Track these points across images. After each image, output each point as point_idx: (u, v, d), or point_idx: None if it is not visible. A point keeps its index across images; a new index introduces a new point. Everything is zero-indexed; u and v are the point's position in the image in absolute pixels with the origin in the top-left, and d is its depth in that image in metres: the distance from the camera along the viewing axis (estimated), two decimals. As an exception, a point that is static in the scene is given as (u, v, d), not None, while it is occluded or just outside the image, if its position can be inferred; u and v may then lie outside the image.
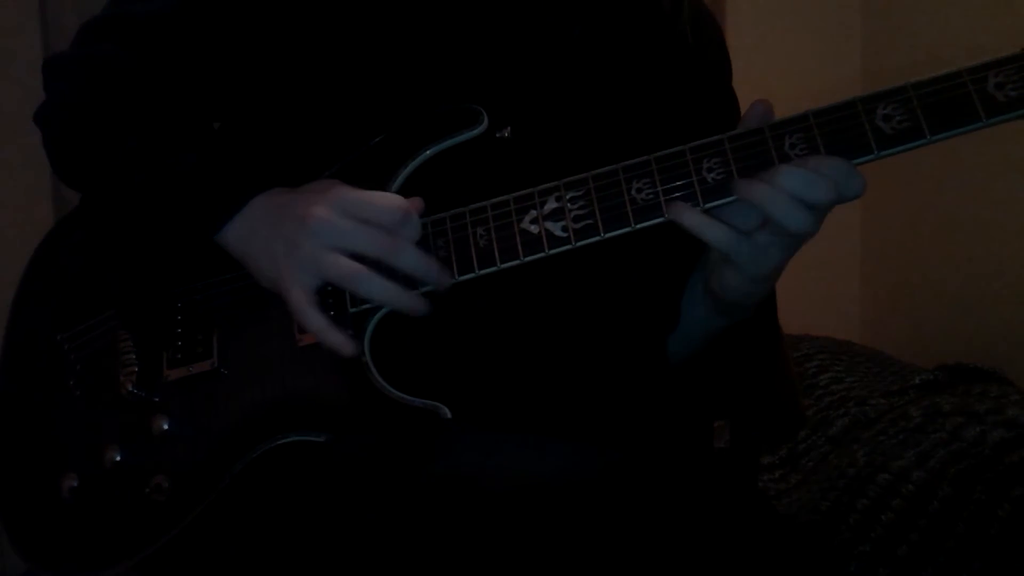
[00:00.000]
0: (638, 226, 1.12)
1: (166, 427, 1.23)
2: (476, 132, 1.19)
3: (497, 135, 1.21)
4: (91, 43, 1.32)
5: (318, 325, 1.14)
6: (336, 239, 1.13)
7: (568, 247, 1.13)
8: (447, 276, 1.15)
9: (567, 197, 1.14)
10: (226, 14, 1.27)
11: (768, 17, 2.54)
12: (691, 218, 1.11)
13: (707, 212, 1.12)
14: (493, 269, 1.15)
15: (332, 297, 1.19)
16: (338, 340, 1.15)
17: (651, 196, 1.12)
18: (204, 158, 1.21)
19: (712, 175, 1.11)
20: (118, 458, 1.24)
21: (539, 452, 1.17)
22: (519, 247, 1.14)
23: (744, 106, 1.19)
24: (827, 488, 1.78)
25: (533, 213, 1.14)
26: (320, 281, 1.15)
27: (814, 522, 1.73)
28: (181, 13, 1.27)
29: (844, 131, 1.09)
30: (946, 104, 1.07)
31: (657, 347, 1.32)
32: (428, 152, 1.19)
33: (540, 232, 1.14)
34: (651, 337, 1.31)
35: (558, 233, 1.14)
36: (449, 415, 1.16)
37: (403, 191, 1.19)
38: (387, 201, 1.15)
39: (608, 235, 1.13)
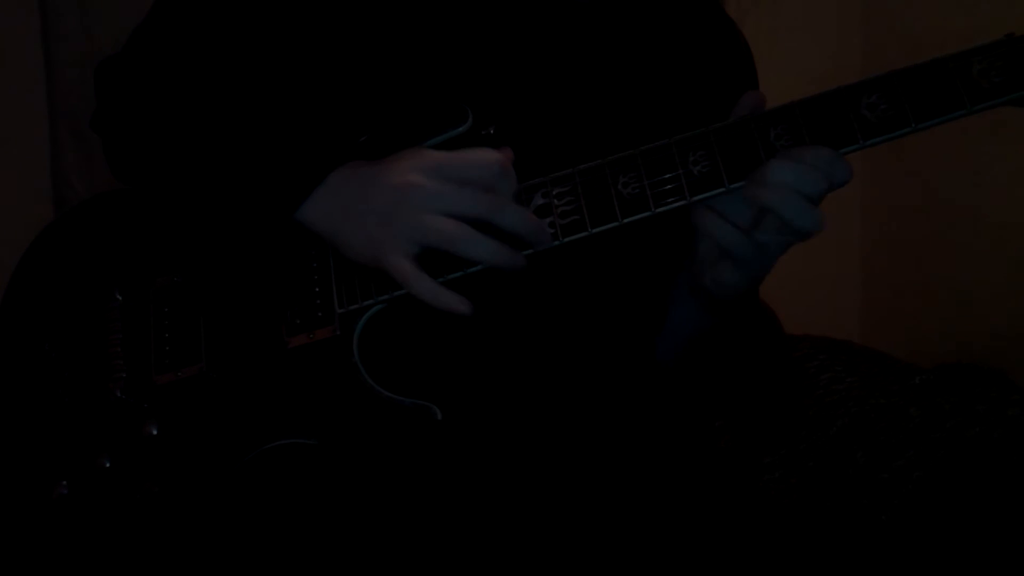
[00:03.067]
0: (625, 220, 1.12)
1: (155, 433, 1.22)
2: (461, 130, 1.18)
3: (483, 132, 1.20)
4: (141, 45, 1.33)
5: (430, 290, 1.12)
6: (436, 203, 1.11)
7: (555, 243, 1.13)
8: (548, 233, 1.13)
9: (553, 193, 1.13)
10: (219, 11, 1.27)
11: (768, 11, 2.54)
12: (704, 217, 1.11)
13: (711, 209, 1.12)
14: (480, 267, 1.14)
15: (320, 298, 1.18)
16: (453, 301, 1.12)
17: (637, 190, 1.12)
18: (274, 135, 1.19)
19: (698, 168, 1.11)
20: (108, 464, 1.23)
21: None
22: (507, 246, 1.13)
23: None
24: (827, 488, 1.78)
25: None
26: (420, 248, 1.12)
27: (814, 522, 1.73)
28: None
29: (829, 121, 1.09)
30: (930, 91, 1.07)
31: (646, 348, 1.31)
32: None
33: None
34: (640, 338, 1.31)
35: (545, 229, 1.13)
36: (440, 416, 1.15)
37: None
38: (482, 158, 1.13)
39: (595, 230, 1.12)
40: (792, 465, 1.96)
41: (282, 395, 1.20)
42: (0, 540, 1.30)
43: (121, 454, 1.23)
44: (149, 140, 1.28)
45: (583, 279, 1.25)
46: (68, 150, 2.17)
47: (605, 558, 1.19)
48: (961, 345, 2.33)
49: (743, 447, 1.83)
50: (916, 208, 2.60)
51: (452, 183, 1.12)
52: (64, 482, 1.24)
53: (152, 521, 1.21)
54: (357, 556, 1.20)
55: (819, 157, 1.08)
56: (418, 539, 1.20)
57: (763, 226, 1.10)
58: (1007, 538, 1.58)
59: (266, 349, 1.20)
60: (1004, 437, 1.72)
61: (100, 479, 1.23)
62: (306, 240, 1.18)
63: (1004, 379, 1.95)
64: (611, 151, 1.14)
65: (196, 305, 1.25)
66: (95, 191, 1.53)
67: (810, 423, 1.99)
